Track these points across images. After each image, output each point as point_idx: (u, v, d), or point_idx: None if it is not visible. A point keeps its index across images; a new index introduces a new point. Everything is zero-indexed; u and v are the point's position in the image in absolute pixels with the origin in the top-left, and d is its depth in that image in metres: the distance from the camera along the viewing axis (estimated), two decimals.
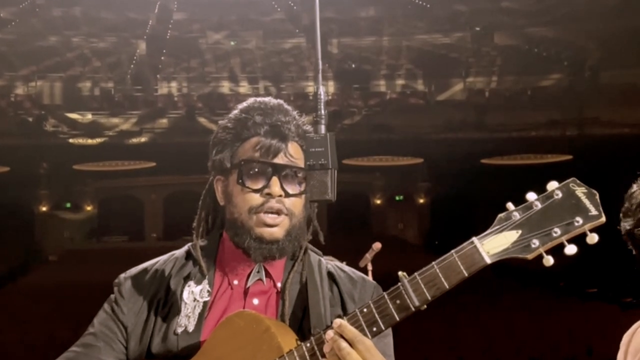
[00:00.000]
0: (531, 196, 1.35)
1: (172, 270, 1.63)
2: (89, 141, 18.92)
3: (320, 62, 1.54)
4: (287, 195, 1.56)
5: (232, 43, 22.97)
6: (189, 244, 1.68)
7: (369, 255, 3.18)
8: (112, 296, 1.68)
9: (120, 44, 22.28)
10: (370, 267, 3.19)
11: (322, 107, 1.49)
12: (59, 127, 19.81)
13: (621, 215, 1.74)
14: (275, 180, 1.55)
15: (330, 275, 1.63)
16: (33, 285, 14.06)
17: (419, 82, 22.68)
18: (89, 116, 20.24)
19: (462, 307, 10.07)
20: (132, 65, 22.39)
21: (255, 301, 1.59)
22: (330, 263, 1.67)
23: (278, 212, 1.55)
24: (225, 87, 22.02)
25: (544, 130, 19.23)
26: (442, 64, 21.96)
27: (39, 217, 21.40)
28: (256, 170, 1.56)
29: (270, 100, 1.67)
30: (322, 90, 1.50)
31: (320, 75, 1.54)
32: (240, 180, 1.57)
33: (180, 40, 22.52)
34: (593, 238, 1.28)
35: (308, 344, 1.42)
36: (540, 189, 1.34)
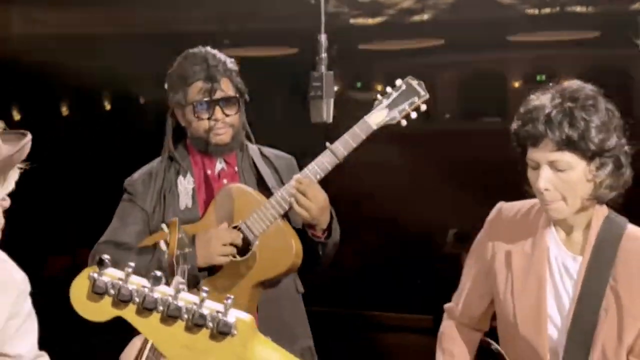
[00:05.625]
0: (389, 89, 2.52)
1: (165, 170, 2.65)
2: (370, 21, 20.09)
3: (323, 12, 2.25)
4: (227, 115, 2.57)
5: None
6: (168, 152, 2.67)
7: None
8: (126, 196, 2.66)
9: None
10: None
11: (323, 51, 2.53)
12: (340, 7, 21.30)
13: None
14: (217, 109, 2.57)
15: (264, 155, 2.70)
16: None
17: None
18: None
19: None
20: None
21: (225, 181, 2.64)
22: (263, 148, 2.73)
23: (223, 127, 2.57)
24: None
25: None
26: None
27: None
28: (203, 106, 2.58)
29: (200, 50, 2.62)
30: (323, 37, 2.31)
31: (323, 27, 2.27)
32: (194, 115, 2.60)
33: None
34: (423, 107, 2.52)
35: (279, 193, 2.50)
36: None
